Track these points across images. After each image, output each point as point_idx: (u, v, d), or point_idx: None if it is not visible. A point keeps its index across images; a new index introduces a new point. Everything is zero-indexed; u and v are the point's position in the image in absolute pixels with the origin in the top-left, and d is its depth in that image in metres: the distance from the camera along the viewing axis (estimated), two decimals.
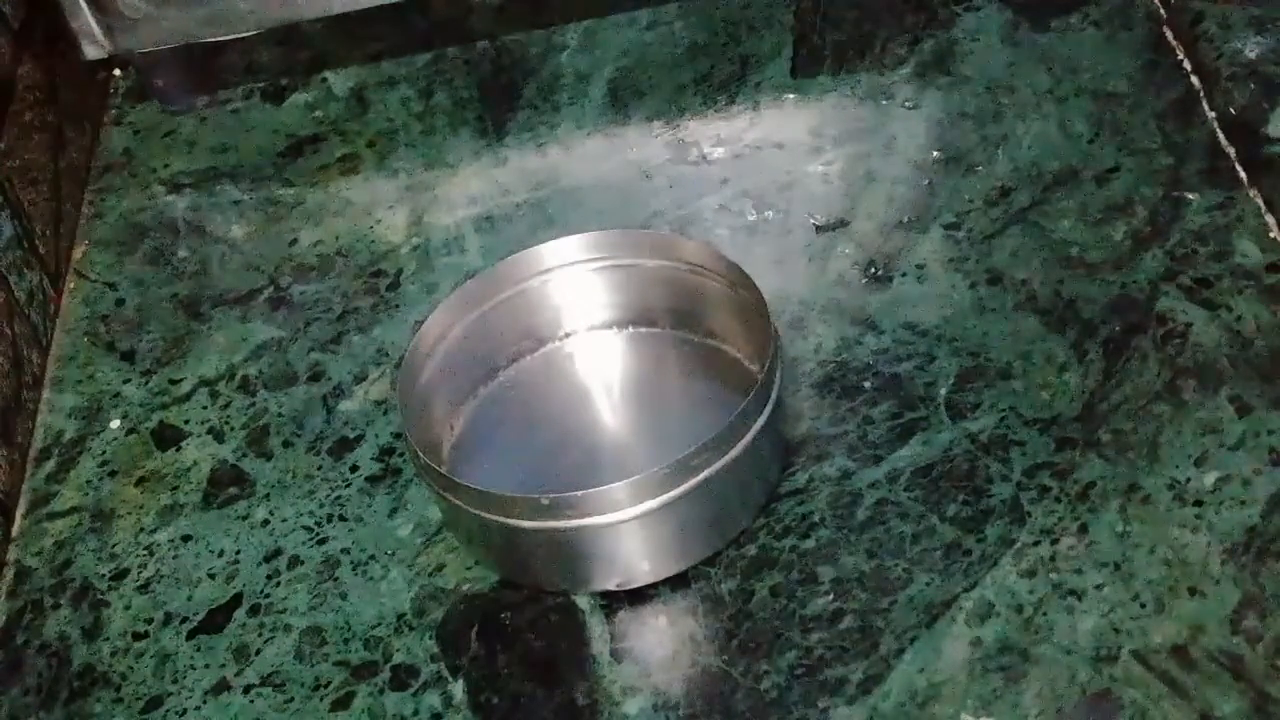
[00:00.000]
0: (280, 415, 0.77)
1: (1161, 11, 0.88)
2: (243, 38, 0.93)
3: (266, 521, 0.71)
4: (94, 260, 0.89)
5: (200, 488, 0.74)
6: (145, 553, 0.71)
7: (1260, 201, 0.77)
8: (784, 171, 0.84)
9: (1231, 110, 0.80)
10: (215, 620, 0.67)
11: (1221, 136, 0.80)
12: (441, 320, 0.70)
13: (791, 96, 0.89)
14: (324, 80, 0.99)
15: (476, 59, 0.98)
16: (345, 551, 0.69)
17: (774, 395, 0.64)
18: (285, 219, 0.89)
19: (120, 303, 0.86)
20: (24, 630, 0.69)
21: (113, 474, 0.75)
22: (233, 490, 0.73)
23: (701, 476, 0.61)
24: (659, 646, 0.63)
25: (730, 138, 0.87)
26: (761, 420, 0.63)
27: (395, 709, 0.62)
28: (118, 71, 1.02)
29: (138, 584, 0.70)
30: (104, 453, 0.77)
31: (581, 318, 0.75)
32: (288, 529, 0.71)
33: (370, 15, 0.90)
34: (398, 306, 0.82)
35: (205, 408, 0.78)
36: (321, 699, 0.63)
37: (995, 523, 0.65)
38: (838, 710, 0.59)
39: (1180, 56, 0.85)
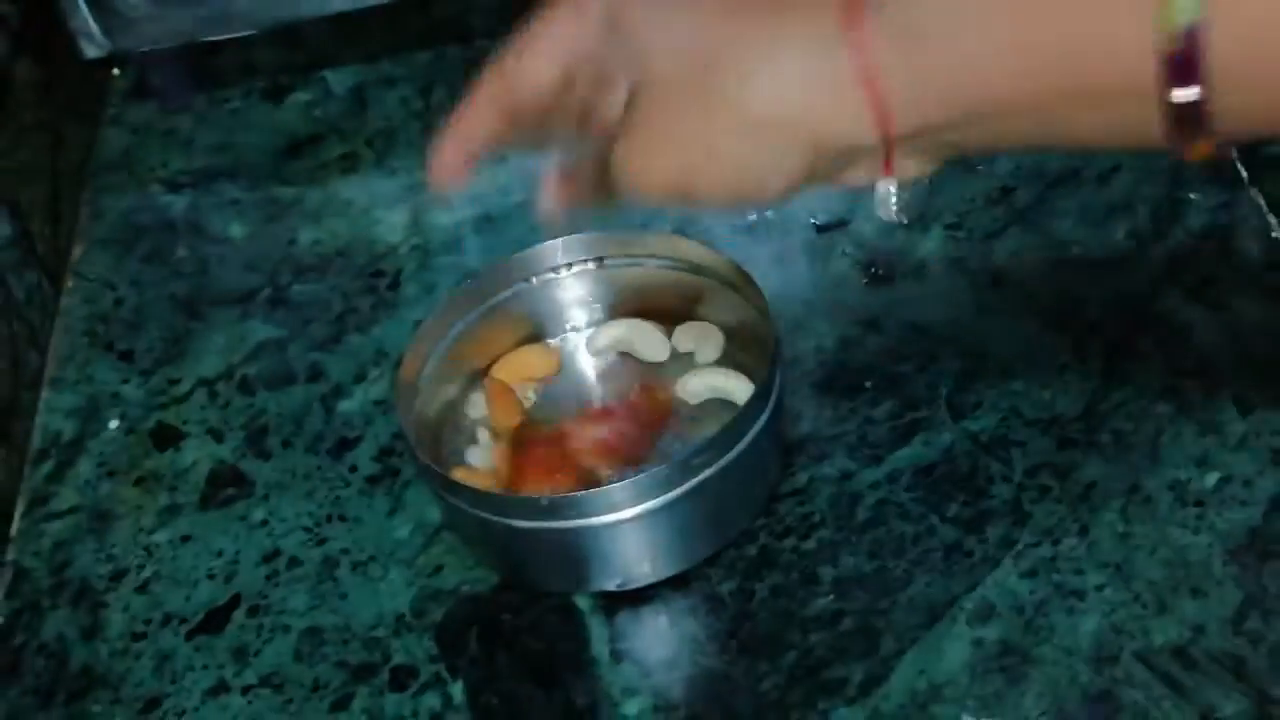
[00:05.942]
0: (279, 415, 0.76)
1: None
2: (241, 37, 0.93)
3: (265, 522, 0.71)
4: (92, 260, 0.89)
5: (199, 488, 0.73)
6: (144, 553, 0.71)
7: (1262, 201, 0.77)
8: None
9: None
10: (214, 621, 0.67)
11: None
12: (441, 320, 0.70)
13: None
14: (323, 79, 0.98)
15: (476, 58, 0.97)
16: (344, 552, 0.69)
17: (774, 395, 0.64)
18: (284, 218, 0.89)
19: (119, 302, 0.85)
20: (23, 631, 0.68)
21: (111, 474, 0.75)
22: (231, 490, 0.73)
23: (701, 476, 0.61)
24: (659, 647, 0.63)
25: None
26: (761, 420, 0.63)
27: (394, 710, 0.62)
28: (116, 71, 1.02)
29: (136, 584, 0.69)
30: (102, 453, 0.76)
31: (581, 318, 0.75)
32: (286, 529, 0.71)
33: (369, 14, 0.90)
34: (397, 306, 0.81)
35: (204, 408, 0.78)
36: (320, 700, 0.63)
37: (996, 523, 0.65)
38: (838, 711, 0.59)
39: None
